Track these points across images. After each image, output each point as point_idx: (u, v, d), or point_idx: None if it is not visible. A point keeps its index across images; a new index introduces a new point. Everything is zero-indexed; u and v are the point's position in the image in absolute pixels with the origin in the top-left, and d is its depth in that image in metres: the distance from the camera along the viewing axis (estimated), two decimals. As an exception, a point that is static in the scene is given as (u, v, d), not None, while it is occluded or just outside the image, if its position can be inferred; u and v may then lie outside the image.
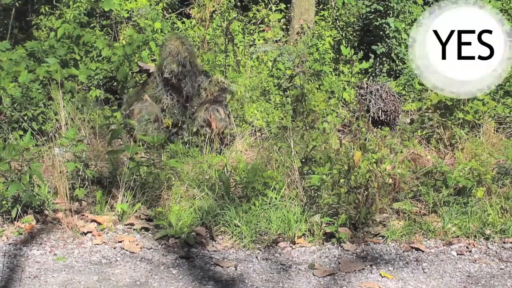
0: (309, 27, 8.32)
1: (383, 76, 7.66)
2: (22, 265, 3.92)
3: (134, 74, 6.81)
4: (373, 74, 7.71)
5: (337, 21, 8.48)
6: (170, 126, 5.89)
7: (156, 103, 5.92)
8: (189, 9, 8.81)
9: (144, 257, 4.09)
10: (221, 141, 5.91)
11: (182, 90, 5.95)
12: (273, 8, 8.67)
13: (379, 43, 7.70)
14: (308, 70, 7.18)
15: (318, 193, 4.53)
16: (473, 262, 4.15)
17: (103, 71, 6.80)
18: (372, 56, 7.56)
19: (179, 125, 5.91)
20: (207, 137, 5.71)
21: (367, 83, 7.08)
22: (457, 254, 4.26)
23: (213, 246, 4.27)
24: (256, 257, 4.14)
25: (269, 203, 4.56)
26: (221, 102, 6.01)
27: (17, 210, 4.40)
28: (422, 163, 5.37)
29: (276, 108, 6.63)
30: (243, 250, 4.24)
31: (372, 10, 7.83)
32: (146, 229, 4.43)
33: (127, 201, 4.56)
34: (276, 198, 4.59)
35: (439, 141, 5.92)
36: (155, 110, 5.83)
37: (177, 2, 9.35)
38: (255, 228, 4.36)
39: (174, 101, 5.96)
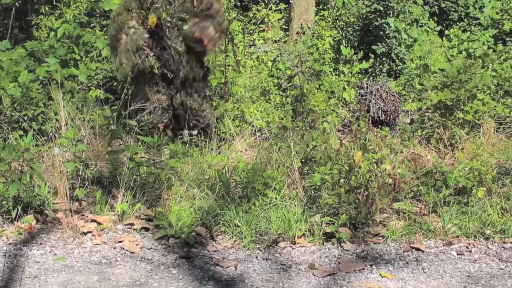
0: (309, 27, 8.32)
1: (383, 76, 7.65)
2: (22, 265, 3.92)
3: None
4: (373, 74, 7.71)
5: (337, 21, 8.48)
6: (154, 24, 5.55)
7: None
8: (189, 9, 8.80)
9: (144, 257, 4.09)
10: (207, 69, 5.81)
11: None
12: (273, 8, 8.67)
13: (379, 43, 7.70)
14: (308, 70, 7.18)
15: (318, 193, 4.53)
16: (473, 262, 4.15)
17: (103, 71, 6.80)
18: (372, 56, 7.55)
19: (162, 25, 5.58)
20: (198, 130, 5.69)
21: (367, 83, 7.08)
22: (457, 254, 4.25)
23: (213, 246, 4.27)
24: (256, 257, 4.14)
25: (269, 203, 4.56)
26: (212, 16, 5.59)
27: (17, 210, 4.40)
28: (422, 163, 5.36)
29: (276, 108, 6.63)
30: (243, 250, 4.23)
31: (372, 10, 7.83)
32: (146, 229, 4.43)
33: (127, 201, 4.56)
34: (276, 198, 4.58)
35: (439, 141, 5.91)
36: (140, 36, 5.53)
37: (177, 2, 9.33)
38: (255, 228, 4.36)
39: None
